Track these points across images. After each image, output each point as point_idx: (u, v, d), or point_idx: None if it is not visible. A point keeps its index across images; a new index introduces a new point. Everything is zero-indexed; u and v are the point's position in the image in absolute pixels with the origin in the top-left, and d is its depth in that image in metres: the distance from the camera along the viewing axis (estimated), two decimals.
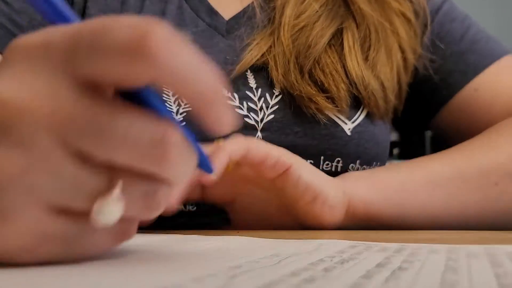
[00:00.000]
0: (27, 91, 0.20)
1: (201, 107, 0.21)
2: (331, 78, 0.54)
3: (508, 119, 0.58)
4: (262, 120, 0.54)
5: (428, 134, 0.81)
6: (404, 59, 0.60)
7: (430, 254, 0.26)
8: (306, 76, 0.54)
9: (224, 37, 0.58)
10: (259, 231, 0.45)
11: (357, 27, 0.58)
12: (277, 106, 0.55)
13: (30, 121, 0.20)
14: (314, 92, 0.54)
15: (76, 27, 0.21)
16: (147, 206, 0.23)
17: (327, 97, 0.54)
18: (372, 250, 0.28)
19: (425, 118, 0.66)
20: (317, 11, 0.57)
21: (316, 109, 0.54)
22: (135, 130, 0.21)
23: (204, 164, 0.28)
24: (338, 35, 0.57)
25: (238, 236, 0.37)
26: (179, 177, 0.23)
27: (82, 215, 0.22)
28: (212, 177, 0.38)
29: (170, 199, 0.24)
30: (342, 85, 0.54)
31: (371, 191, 0.50)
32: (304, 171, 0.47)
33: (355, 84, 0.55)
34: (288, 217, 0.50)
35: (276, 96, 0.55)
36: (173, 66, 0.20)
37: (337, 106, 0.54)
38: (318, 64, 0.55)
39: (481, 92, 0.62)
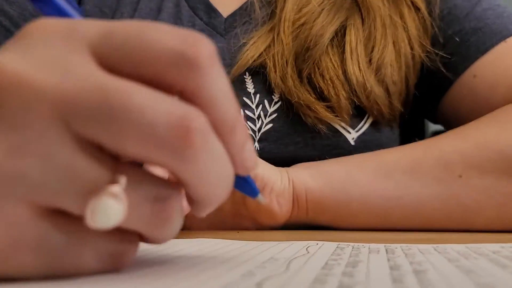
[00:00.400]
0: (33, 62, 0.18)
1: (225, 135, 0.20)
2: (330, 85, 0.50)
3: (501, 108, 0.50)
4: (260, 129, 0.52)
5: (429, 133, 0.76)
6: (413, 57, 0.55)
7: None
8: (305, 81, 0.51)
9: (222, 37, 0.55)
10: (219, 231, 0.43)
11: (363, 22, 0.53)
12: (275, 114, 0.52)
13: (27, 94, 0.18)
14: (313, 99, 0.50)
15: (110, 24, 0.19)
16: (154, 216, 0.19)
17: (327, 106, 0.50)
18: (380, 252, 0.27)
19: (429, 109, 0.59)
20: (320, 4, 0.52)
21: (316, 118, 0.50)
22: (151, 111, 0.18)
23: (243, 183, 0.24)
24: (341, 32, 0.52)
25: (204, 239, 0.35)
26: (204, 180, 0.19)
27: (70, 222, 0.19)
28: (262, 201, 0.27)
29: (197, 214, 0.21)
30: (343, 92, 0.50)
31: (314, 178, 0.48)
32: None
33: (356, 91, 0.51)
34: (240, 217, 0.48)
35: (275, 103, 0.52)
36: (214, 88, 0.19)
37: (337, 116, 0.51)
38: (318, 68, 0.51)
39: (480, 79, 0.53)
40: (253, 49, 0.52)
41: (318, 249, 0.28)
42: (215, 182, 0.20)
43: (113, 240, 0.20)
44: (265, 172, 0.46)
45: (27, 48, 0.19)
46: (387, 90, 0.52)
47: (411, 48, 0.54)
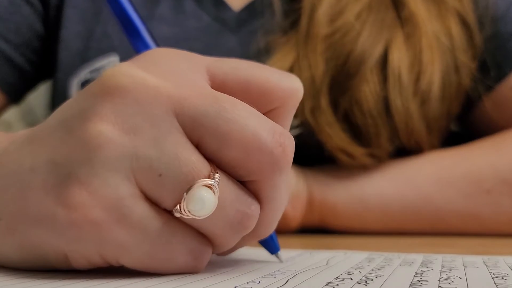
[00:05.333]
0: (156, 72, 0.20)
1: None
2: (371, 123, 0.42)
3: None
4: None
5: None
6: (458, 85, 0.46)
7: (468, 267, 0.22)
8: (340, 115, 0.43)
9: (233, 34, 0.48)
10: None
11: (406, 41, 0.44)
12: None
13: (150, 91, 0.19)
14: (349, 141, 0.43)
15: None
16: (237, 220, 0.20)
17: (364, 147, 0.43)
18: (394, 264, 0.23)
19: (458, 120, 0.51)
20: (358, 17, 0.43)
21: (348, 159, 0.44)
22: (256, 122, 0.19)
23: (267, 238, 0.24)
24: (383, 54, 0.43)
25: None
26: (278, 199, 0.21)
27: (164, 212, 0.20)
28: (280, 258, 0.25)
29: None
30: (384, 132, 0.43)
31: (331, 182, 0.45)
32: None
33: (398, 130, 0.43)
34: None
35: (293, 128, 0.44)
36: (278, 191, 0.21)
37: (379, 160, 0.44)
38: (356, 100, 0.42)
39: None
40: (276, 66, 0.43)
41: (344, 260, 0.25)
42: (282, 202, 0.21)
43: (197, 238, 0.20)
44: None
45: (150, 63, 0.21)
46: (428, 127, 0.45)
47: (459, 77, 0.45)
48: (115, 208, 0.19)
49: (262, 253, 0.27)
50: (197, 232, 0.20)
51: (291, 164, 0.20)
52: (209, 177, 0.19)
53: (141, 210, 0.19)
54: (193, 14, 0.49)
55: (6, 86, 0.50)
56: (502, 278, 0.19)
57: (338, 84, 0.43)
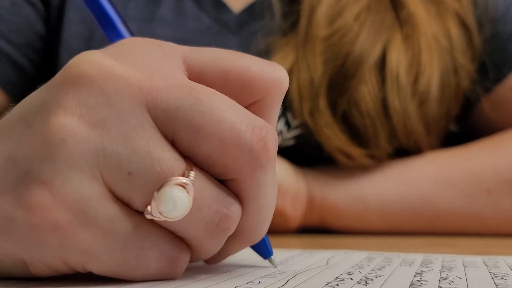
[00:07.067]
0: (127, 61, 0.18)
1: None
2: (369, 123, 0.42)
3: None
4: None
5: None
6: (457, 87, 0.46)
7: (468, 268, 0.22)
8: (338, 116, 0.43)
9: (234, 35, 0.48)
10: None
11: (405, 42, 0.44)
12: (292, 142, 0.46)
13: (119, 82, 0.18)
14: (348, 143, 0.43)
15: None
16: (215, 223, 0.18)
17: (363, 148, 0.43)
18: (394, 264, 0.23)
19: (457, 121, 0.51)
20: (356, 18, 0.43)
21: (348, 160, 0.44)
22: (234, 116, 0.18)
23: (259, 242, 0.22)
24: (381, 55, 0.43)
25: None
26: (262, 198, 0.19)
27: (135, 213, 0.18)
28: (273, 263, 0.24)
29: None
30: (382, 133, 0.43)
31: (331, 182, 0.45)
32: None
33: (396, 131, 0.43)
34: None
35: (293, 129, 0.45)
36: (263, 191, 0.19)
37: (378, 161, 0.45)
38: (354, 101, 0.42)
39: None
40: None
41: (344, 259, 0.25)
42: (268, 204, 0.20)
43: (173, 241, 0.19)
44: (279, 175, 0.42)
45: (121, 51, 0.19)
46: (427, 127, 0.45)
47: (457, 78, 0.45)
48: (80, 209, 0.17)
49: None
50: (172, 236, 0.19)
51: (274, 161, 0.19)
52: (183, 175, 0.17)
53: (109, 211, 0.17)
54: (193, 16, 0.49)
55: (8, 86, 0.50)
56: (502, 278, 0.20)
57: (336, 85, 0.43)
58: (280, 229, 0.44)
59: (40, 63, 0.52)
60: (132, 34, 0.24)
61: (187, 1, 0.49)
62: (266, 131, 0.18)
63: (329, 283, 0.19)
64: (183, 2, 0.49)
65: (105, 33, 0.24)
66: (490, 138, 0.46)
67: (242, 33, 0.48)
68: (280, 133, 0.45)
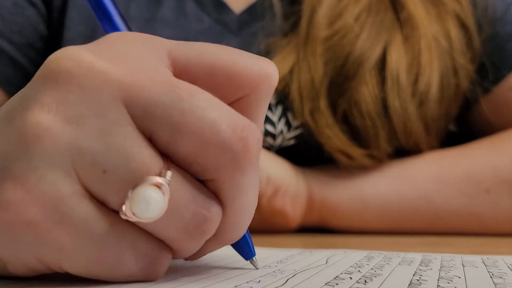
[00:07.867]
0: (108, 56, 0.18)
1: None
2: (369, 124, 0.43)
3: None
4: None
5: None
6: (457, 88, 0.46)
7: (467, 267, 0.22)
8: (339, 117, 0.43)
9: (234, 36, 0.48)
10: None
11: (405, 43, 0.44)
12: (293, 141, 0.46)
13: (98, 78, 0.17)
14: (348, 143, 0.43)
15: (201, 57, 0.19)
16: (193, 224, 0.18)
17: (363, 148, 0.43)
18: (393, 263, 0.23)
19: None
20: (357, 19, 0.43)
21: (348, 160, 0.44)
22: (215, 113, 0.17)
23: (240, 242, 0.22)
24: (381, 56, 0.44)
25: None
26: (242, 198, 0.18)
27: (111, 213, 0.18)
28: (255, 265, 0.23)
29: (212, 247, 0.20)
30: (382, 133, 0.43)
31: (331, 182, 0.45)
32: (263, 162, 0.41)
33: (396, 132, 0.44)
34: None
35: (294, 129, 0.45)
36: (243, 193, 0.18)
37: (378, 161, 0.45)
38: (354, 101, 0.43)
39: None
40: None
41: (343, 258, 0.25)
42: (248, 206, 0.19)
43: (151, 242, 0.18)
44: (279, 174, 0.43)
45: (103, 46, 0.19)
46: (426, 128, 0.45)
47: (457, 79, 0.46)
48: (55, 207, 0.17)
49: (262, 252, 0.27)
50: (151, 235, 0.18)
51: (256, 162, 0.18)
52: (160, 175, 0.17)
53: (84, 209, 0.17)
54: (194, 16, 0.49)
55: (10, 87, 0.50)
56: (501, 277, 0.20)
57: (337, 85, 0.43)
58: (280, 228, 0.44)
59: (41, 63, 0.52)
60: (129, 27, 0.24)
61: (188, 1, 0.49)
62: (248, 131, 0.18)
63: (328, 282, 0.19)
64: (184, 3, 0.49)
65: (101, 25, 0.23)
66: (489, 138, 0.46)
67: (243, 34, 0.48)
68: (280, 133, 0.46)
